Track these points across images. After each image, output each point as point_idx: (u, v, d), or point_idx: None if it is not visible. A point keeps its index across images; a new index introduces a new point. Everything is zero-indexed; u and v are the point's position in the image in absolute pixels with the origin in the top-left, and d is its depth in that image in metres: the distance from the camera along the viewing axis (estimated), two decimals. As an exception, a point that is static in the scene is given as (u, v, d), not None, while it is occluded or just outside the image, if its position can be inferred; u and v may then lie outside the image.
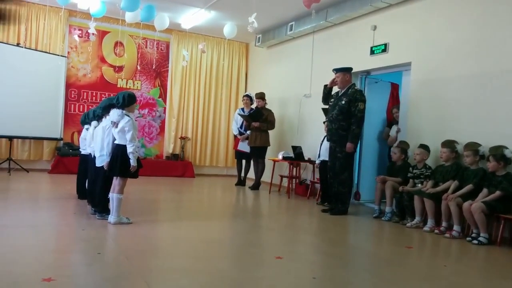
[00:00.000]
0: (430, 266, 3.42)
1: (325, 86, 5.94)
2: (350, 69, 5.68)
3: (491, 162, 4.29)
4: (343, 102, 5.44)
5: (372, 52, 6.35)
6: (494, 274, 3.36)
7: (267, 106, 7.85)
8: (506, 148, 4.27)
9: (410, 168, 5.24)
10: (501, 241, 4.15)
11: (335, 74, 5.66)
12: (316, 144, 7.31)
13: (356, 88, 5.58)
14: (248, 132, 7.75)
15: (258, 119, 7.51)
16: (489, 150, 4.37)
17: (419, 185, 5.05)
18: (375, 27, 6.37)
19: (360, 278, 2.99)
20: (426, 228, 4.68)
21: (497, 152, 4.28)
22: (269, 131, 7.70)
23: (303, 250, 3.74)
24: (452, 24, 5.22)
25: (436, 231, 4.57)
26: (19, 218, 4.21)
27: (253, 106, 8.15)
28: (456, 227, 4.43)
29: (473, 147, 4.54)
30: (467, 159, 4.56)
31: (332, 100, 5.73)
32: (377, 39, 6.31)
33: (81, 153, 5.37)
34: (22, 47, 7.72)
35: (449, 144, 4.80)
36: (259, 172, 7.71)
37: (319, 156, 6.47)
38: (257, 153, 7.66)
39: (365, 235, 4.74)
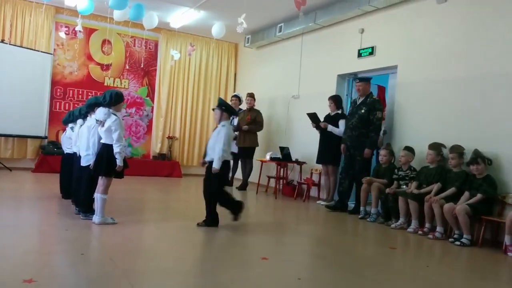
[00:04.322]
0: (413, 267, 3.46)
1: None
2: (371, 79, 5.92)
3: (480, 165, 4.34)
4: (363, 111, 5.67)
5: (359, 55, 6.41)
6: (475, 275, 3.42)
7: (255, 107, 7.86)
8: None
9: (396, 170, 5.30)
10: (482, 242, 4.22)
11: (357, 82, 5.84)
12: (305, 144, 7.35)
13: (374, 97, 5.79)
14: (236, 132, 7.75)
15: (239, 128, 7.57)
16: (474, 153, 4.42)
17: (404, 186, 5.11)
18: (362, 30, 6.42)
19: (344, 278, 3.02)
20: (410, 229, 4.74)
21: (480, 155, 4.36)
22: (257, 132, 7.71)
23: (289, 251, 3.75)
24: (438, 28, 5.29)
25: (420, 232, 4.63)
26: (0, 218, 4.14)
27: (242, 106, 8.15)
28: (439, 228, 4.50)
29: (458, 149, 4.62)
30: (453, 161, 4.63)
31: (350, 108, 6.06)
32: (365, 42, 6.37)
33: (65, 152, 5.31)
34: (7, 43, 7.59)
35: (435, 147, 4.87)
36: (247, 172, 7.72)
37: (205, 156, 4.62)
38: (246, 154, 7.67)
39: (350, 235, 4.78)
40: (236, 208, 4.46)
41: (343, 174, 6.01)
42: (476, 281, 3.22)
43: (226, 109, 4.45)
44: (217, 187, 4.32)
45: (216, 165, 4.21)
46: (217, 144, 4.25)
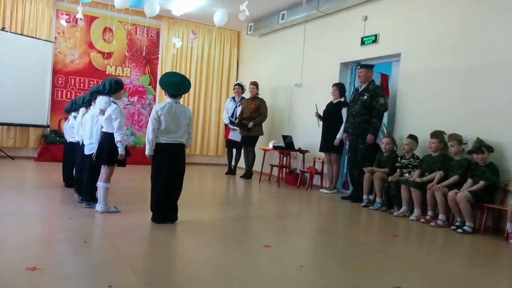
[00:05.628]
0: (415, 254, 3.47)
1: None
2: (373, 66, 5.88)
3: (485, 153, 4.30)
4: (365, 97, 5.64)
5: (362, 42, 6.34)
6: (476, 262, 3.42)
7: (259, 95, 7.82)
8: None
9: (399, 158, 5.29)
10: (484, 229, 4.23)
11: (359, 69, 5.81)
12: (308, 133, 7.34)
13: (376, 84, 5.74)
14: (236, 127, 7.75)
15: (244, 127, 7.55)
16: (477, 142, 4.40)
17: (407, 174, 5.10)
18: (366, 18, 6.35)
19: (347, 266, 3.02)
20: (412, 217, 4.74)
21: (484, 143, 4.33)
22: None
23: (292, 239, 3.76)
24: (441, 17, 5.22)
25: (422, 220, 4.64)
26: (3, 206, 4.16)
27: (245, 95, 8.12)
28: (441, 216, 4.49)
29: (456, 137, 4.63)
30: (452, 148, 4.63)
31: (352, 95, 6.01)
32: (368, 30, 6.30)
33: (68, 140, 5.31)
34: (7, 31, 7.55)
35: (437, 135, 4.86)
36: (250, 161, 7.71)
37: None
38: (247, 142, 7.66)
39: (353, 223, 4.79)
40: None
41: (351, 164, 5.96)
42: (477, 268, 3.22)
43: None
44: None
45: (146, 151, 3.81)
46: None
